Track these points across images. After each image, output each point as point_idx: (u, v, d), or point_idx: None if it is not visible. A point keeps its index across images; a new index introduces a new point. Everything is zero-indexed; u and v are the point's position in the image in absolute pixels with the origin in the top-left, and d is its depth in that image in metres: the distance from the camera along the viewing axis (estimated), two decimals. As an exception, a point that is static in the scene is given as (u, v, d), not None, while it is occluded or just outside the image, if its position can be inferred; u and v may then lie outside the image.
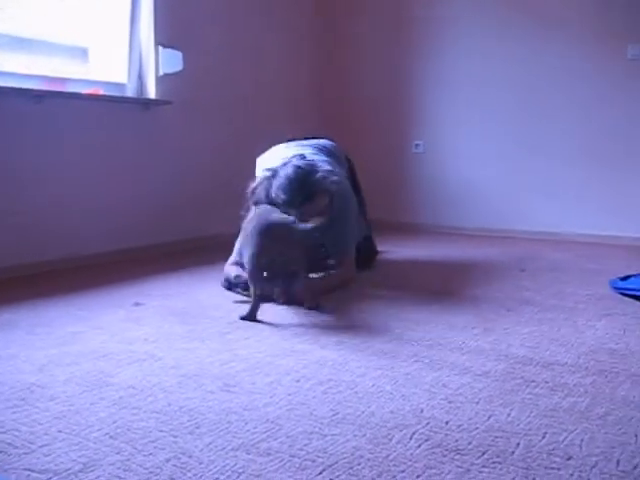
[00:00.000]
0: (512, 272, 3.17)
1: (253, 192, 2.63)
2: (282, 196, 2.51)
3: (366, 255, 3.09)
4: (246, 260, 2.34)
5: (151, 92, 3.71)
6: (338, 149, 3.11)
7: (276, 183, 2.54)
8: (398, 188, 4.94)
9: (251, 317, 2.27)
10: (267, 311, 2.37)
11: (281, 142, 3.06)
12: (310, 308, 2.40)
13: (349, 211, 2.78)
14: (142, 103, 3.68)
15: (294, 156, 2.66)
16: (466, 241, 4.29)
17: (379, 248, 3.49)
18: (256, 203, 2.61)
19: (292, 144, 2.98)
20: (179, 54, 3.72)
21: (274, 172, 2.59)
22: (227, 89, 4.24)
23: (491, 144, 4.59)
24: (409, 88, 4.87)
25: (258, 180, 2.65)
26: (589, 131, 4.25)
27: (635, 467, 1.22)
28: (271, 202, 2.56)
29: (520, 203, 4.52)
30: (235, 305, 2.46)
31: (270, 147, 3.03)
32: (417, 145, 4.88)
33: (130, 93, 3.69)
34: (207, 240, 4.04)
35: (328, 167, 2.72)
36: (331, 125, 4.94)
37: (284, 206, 2.50)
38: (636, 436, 1.35)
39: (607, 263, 3.42)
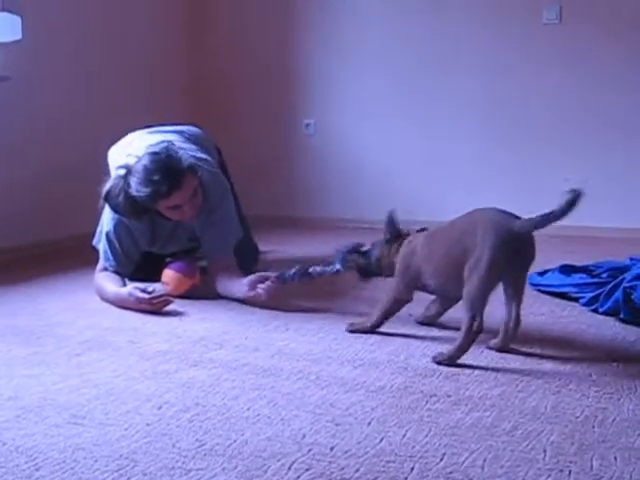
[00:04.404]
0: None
1: (107, 197, 2.59)
2: (144, 191, 2.50)
3: (246, 256, 3.09)
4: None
5: (-17, 65, 3.57)
6: (206, 138, 3.14)
7: (134, 180, 2.53)
8: (286, 177, 4.98)
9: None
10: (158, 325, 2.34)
11: (138, 129, 3.03)
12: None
13: (229, 201, 2.83)
14: (-28, 78, 3.53)
15: (156, 144, 2.64)
16: (367, 235, 4.33)
17: (261, 248, 3.50)
18: (115, 210, 2.62)
19: (152, 130, 2.96)
20: (18, 19, 3.57)
21: (128, 169, 2.57)
22: (77, 63, 4.14)
23: (390, 123, 4.72)
24: (295, 58, 4.91)
25: (111, 182, 2.61)
26: (490, 101, 4.47)
27: (539, 485, 1.29)
28: (134, 206, 2.56)
29: (427, 192, 4.67)
30: (88, 321, 2.42)
31: (126, 134, 3.00)
32: (307, 125, 4.93)
33: (-45, 65, 3.54)
34: (57, 244, 3.93)
35: (194, 153, 2.76)
36: (203, 107, 4.94)
37: (150, 201, 2.53)
38: (544, 452, 1.41)
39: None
